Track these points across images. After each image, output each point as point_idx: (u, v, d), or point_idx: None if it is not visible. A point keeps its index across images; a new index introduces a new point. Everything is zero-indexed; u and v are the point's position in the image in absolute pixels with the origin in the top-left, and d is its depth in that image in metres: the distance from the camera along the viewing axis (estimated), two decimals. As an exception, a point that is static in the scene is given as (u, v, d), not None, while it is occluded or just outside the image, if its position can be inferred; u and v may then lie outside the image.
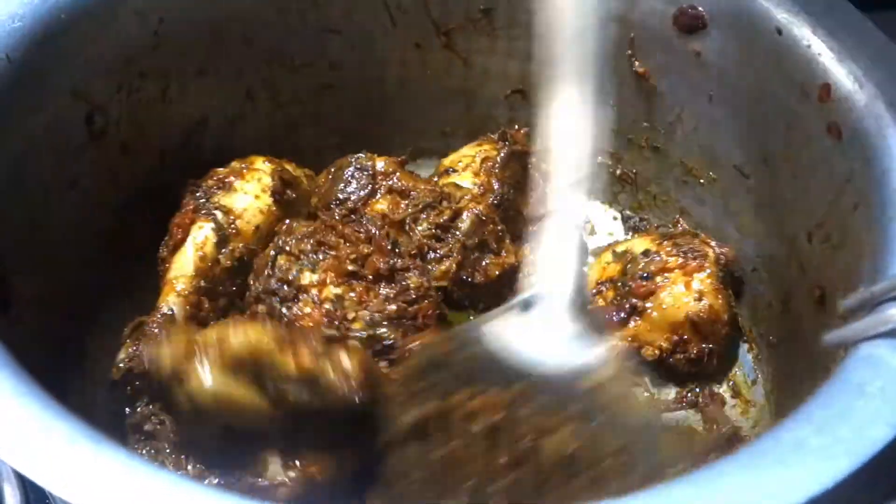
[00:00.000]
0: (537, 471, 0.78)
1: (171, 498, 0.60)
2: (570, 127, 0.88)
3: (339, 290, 0.92)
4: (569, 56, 0.87)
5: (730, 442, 0.95)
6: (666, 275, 1.04)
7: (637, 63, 1.11)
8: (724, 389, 1.06)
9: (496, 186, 1.08)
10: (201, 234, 1.02)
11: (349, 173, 1.05)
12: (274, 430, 0.83)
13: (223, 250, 1.02)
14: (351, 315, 0.91)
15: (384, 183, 1.04)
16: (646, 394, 1.01)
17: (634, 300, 1.03)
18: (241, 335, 0.79)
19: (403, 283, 0.94)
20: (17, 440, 0.63)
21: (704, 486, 0.62)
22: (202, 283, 1.01)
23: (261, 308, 0.93)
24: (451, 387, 0.82)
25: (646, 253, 1.07)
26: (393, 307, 0.92)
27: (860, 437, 0.63)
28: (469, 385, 0.81)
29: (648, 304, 1.03)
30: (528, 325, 0.86)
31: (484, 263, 1.04)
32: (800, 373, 0.98)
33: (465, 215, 1.04)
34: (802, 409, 0.67)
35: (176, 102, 1.09)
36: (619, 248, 1.10)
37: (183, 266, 1.01)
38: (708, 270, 1.04)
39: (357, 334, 0.90)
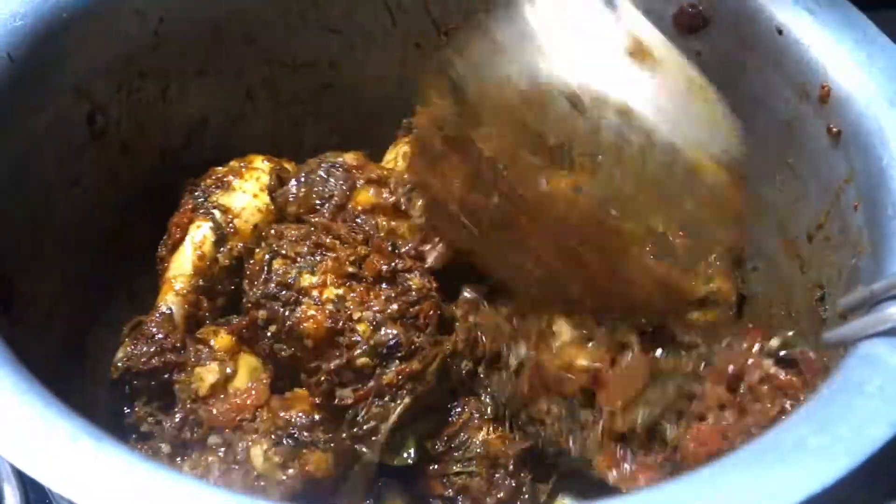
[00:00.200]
0: None
1: (172, 497, 0.60)
2: None
3: (339, 291, 0.91)
4: None
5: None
6: None
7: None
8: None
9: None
10: (199, 234, 1.02)
11: (323, 173, 1.03)
12: None
13: (222, 249, 1.02)
14: (356, 315, 0.91)
15: (360, 175, 1.03)
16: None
17: None
18: None
19: (405, 283, 0.94)
20: (18, 438, 0.64)
21: (704, 485, 0.62)
22: (201, 283, 1.01)
23: (261, 314, 0.92)
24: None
25: None
26: (395, 307, 0.92)
27: (859, 436, 0.63)
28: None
29: None
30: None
31: None
32: (808, 372, 0.99)
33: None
34: (802, 407, 0.67)
35: (176, 102, 1.09)
36: None
37: (181, 265, 1.01)
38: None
39: (356, 338, 0.91)
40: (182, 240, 1.03)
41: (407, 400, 0.90)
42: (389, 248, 0.96)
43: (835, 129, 0.90)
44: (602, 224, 0.84)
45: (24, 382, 0.68)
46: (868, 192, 0.84)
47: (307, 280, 0.92)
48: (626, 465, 0.89)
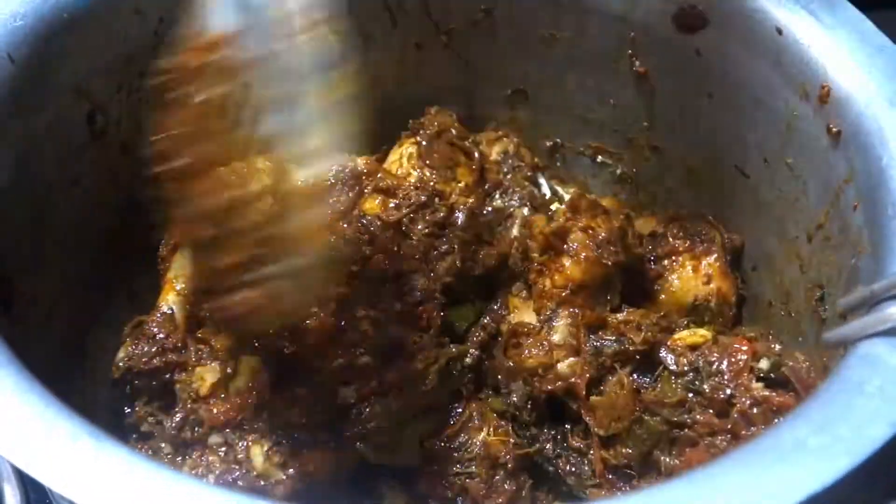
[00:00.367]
0: None
1: (172, 496, 0.60)
2: None
3: (342, 290, 0.91)
4: None
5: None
6: (674, 258, 1.04)
7: (637, 62, 1.12)
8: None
9: (427, 174, 1.08)
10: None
11: (332, 176, 1.03)
12: None
13: None
14: (359, 314, 0.90)
15: (369, 182, 1.03)
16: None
17: None
18: None
19: (409, 284, 0.94)
20: (18, 438, 0.64)
21: (704, 485, 0.62)
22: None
23: None
24: None
25: (652, 235, 1.07)
26: (398, 306, 0.92)
27: (859, 436, 0.63)
28: None
29: (656, 287, 1.03)
30: None
31: (480, 255, 1.04)
32: (808, 371, 0.99)
33: (458, 212, 1.04)
34: (801, 407, 0.67)
35: (176, 102, 1.09)
36: None
37: (183, 265, 1.01)
38: (716, 254, 1.04)
39: (359, 337, 0.90)
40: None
41: (411, 399, 0.91)
42: (395, 249, 0.96)
43: (834, 129, 0.90)
44: None
45: (25, 382, 0.68)
46: (868, 191, 0.84)
47: None
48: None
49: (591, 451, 0.93)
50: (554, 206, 1.19)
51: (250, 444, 0.89)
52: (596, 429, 0.92)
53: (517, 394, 0.97)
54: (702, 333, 0.93)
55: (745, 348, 0.89)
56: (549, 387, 0.94)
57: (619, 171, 1.23)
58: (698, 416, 0.88)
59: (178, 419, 0.93)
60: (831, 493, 0.61)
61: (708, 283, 1.03)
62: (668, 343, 0.93)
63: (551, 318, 0.97)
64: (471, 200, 1.05)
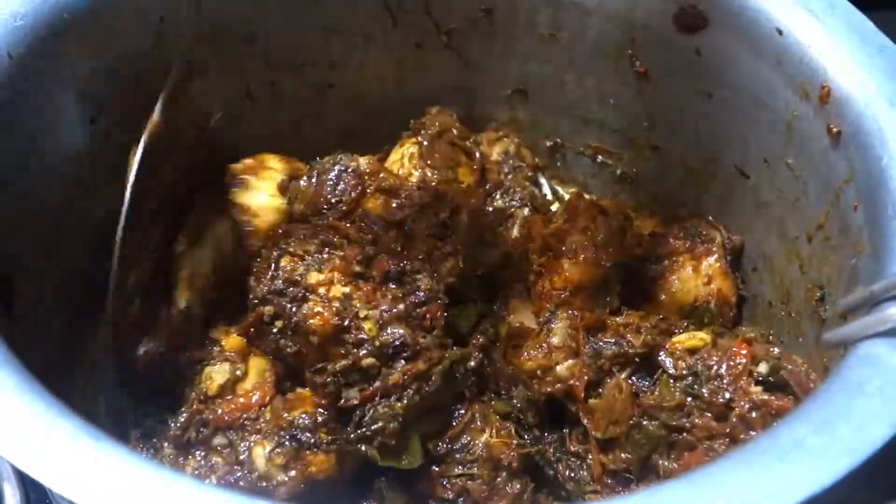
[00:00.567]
0: None
1: (172, 497, 0.60)
2: None
3: (347, 289, 0.91)
4: None
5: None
6: (674, 258, 1.04)
7: (638, 62, 1.12)
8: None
9: (429, 174, 1.08)
10: (219, 231, 1.02)
11: (334, 176, 1.03)
12: None
13: (239, 248, 1.02)
14: (363, 314, 0.90)
15: (371, 182, 1.03)
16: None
17: None
18: None
19: (413, 284, 0.94)
20: (18, 438, 0.64)
21: (703, 485, 0.62)
22: (217, 280, 1.01)
23: (267, 309, 0.92)
24: None
25: (652, 234, 1.07)
26: (402, 307, 0.92)
27: (859, 437, 0.63)
28: None
29: (656, 288, 1.03)
30: None
31: (482, 255, 1.04)
32: (808, 372, 0.99)
33: (463, 213, 1.04)
34: (801, 408, 0.67)
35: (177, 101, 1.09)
36: None
37: (200, 262, 1.01)
38: (716, 255, 1.04)
39: (363, 336, 0.91)
40: (201, 237, 1.02)
41: (415, 400, 0.90)
42: (400, 249, 0.96)
43: (835, 129, 0.90)
44: None
45: (25, 382, 0.68)
46: (868, 192, 0.84)
47: (314, 277, 0.92)
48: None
49: (590, 456, 0.93)
50: (554, 207, 1.19)
51: (253, 445, 0.89)
52: (594, 432, 0.92)
53: (518, 397, 0.97)
54: (701, 337, 0.93)
55: (743, 352, 0.89)
56: (548, 389, 0.94)
57: (619, 171, 1.23)
58: (697, 420, 0.88)
59: (182, 419, 0.93)
60: (831, 493, 0.61)
61: (708, 283, 1.03)
62: (667, 346, 0.93)
63: (550, 319, 0.97)
64: (473, 201, 1.05)
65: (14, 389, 0.67)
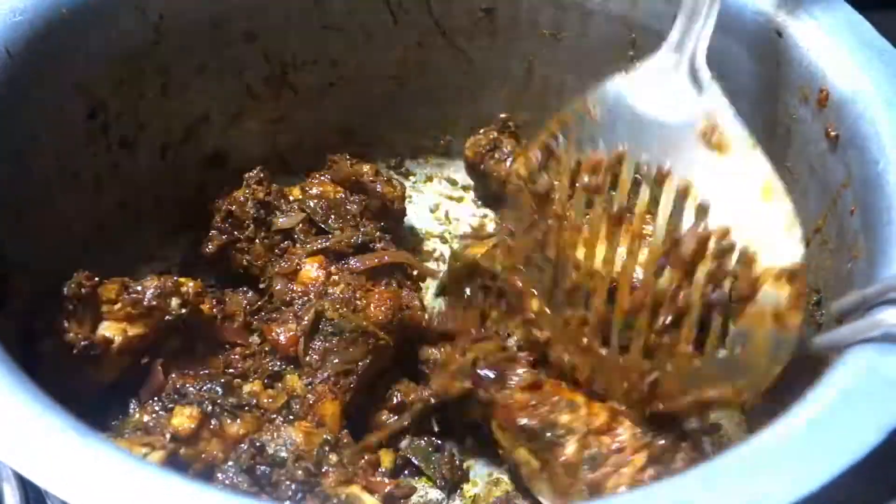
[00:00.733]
0: None
1: (171, 497, 0.60)
2: None
3: None
4: None
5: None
6: None
7: (638, 63, 1.11)
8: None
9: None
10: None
11: None
12: None
13: None
14: None
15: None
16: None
17: None
18: None
19: None
20: (13, 438, 0.63)
21: (694, 487, 0.62)
22: None
23: None
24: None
25: None
26: None
27: (847, 442, 0.63)
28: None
29: None
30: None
31: None
32: (798, 376, 0.98)
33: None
34: (791, 412, 0.67)
35: (176, 98, 1.09)
36: None
37: None
38: None
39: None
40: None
41: None
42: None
43: (833, 133, 0.90)
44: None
45: (20, 383, 0.68)
46: (864, 196, 0.84)
47: None
48: None
49: None
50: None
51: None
52: None
53: None
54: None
55: None
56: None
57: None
58: None
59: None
60: (822, 496, 0.60)
61: None
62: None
63: None
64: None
65: (9, 389, 0.67)
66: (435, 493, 0.96)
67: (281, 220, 1.06)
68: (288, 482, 0.83)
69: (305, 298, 0.98)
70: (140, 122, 1.07)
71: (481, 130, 1.22)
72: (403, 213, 1.15)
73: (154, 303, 0.93)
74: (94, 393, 0.94)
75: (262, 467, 0.84)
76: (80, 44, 0.96)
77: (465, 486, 0.97)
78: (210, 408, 0.88)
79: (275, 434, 0.87)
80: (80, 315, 0.91)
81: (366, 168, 1.10)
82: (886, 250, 0.78)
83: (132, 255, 1.10)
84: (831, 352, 0.73)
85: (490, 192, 1.24)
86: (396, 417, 0.97)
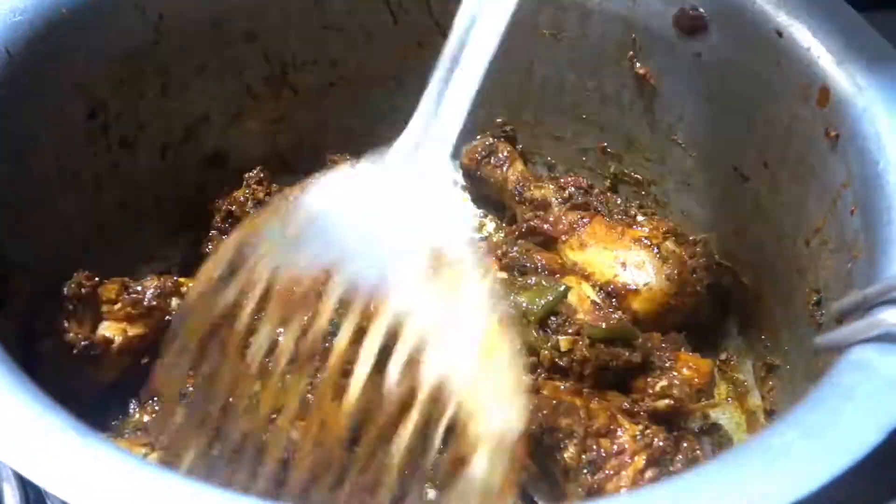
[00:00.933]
0: None
1: (171, 497, 0.60)
2: None
3: None
4: None
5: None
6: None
7: (638, 64, 1.11)
8: (722, 394, 1.06)
9: None
10: None
11: None
12: None
13: None
14: None
15: None
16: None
17: None
18: None
19: None
20: (13, 438, 0.63)
21: (690, 488, 0.62)
22: None
23: None
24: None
25: None
26: None
27: (847, 442, 0.63)
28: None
29: None
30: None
31: None
32: (798, 376, 0.99)
33: None
34: (791, 412, 0.67)
35: (177, 98, 1.09)
36: None
37: None
38: None
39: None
40: None
41: None
42: None
43: (833, 133, 0.90)
44: None
45: (19, 383, 0.68)
46: (864, 196, 0.84)
47: None
48: None
49: None
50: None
51: None
52: None
53: None
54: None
55: None
56: None
57: (619, 172, 1.22)
58: None
59: None
60: (822, 496, 0.60)
61: None
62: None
63: None
64: None
65: (9, 389, 0.66)
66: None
67: None
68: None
69: None
70: (140, 122, 1.07)
71: (477, 137, 1.22)
72: None
73: (154, 303, 0.94)
74: (94, 393, 0.94)
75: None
76: (80, 44, 0.96)
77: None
78: None
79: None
80: (80, 315, 0.91)
81: None
82: (886, 250, 0.78)
83: (132, 255, 1.10)
84: (831, 352, 0.73)
85: (486, 197, 1.24)
86: None
